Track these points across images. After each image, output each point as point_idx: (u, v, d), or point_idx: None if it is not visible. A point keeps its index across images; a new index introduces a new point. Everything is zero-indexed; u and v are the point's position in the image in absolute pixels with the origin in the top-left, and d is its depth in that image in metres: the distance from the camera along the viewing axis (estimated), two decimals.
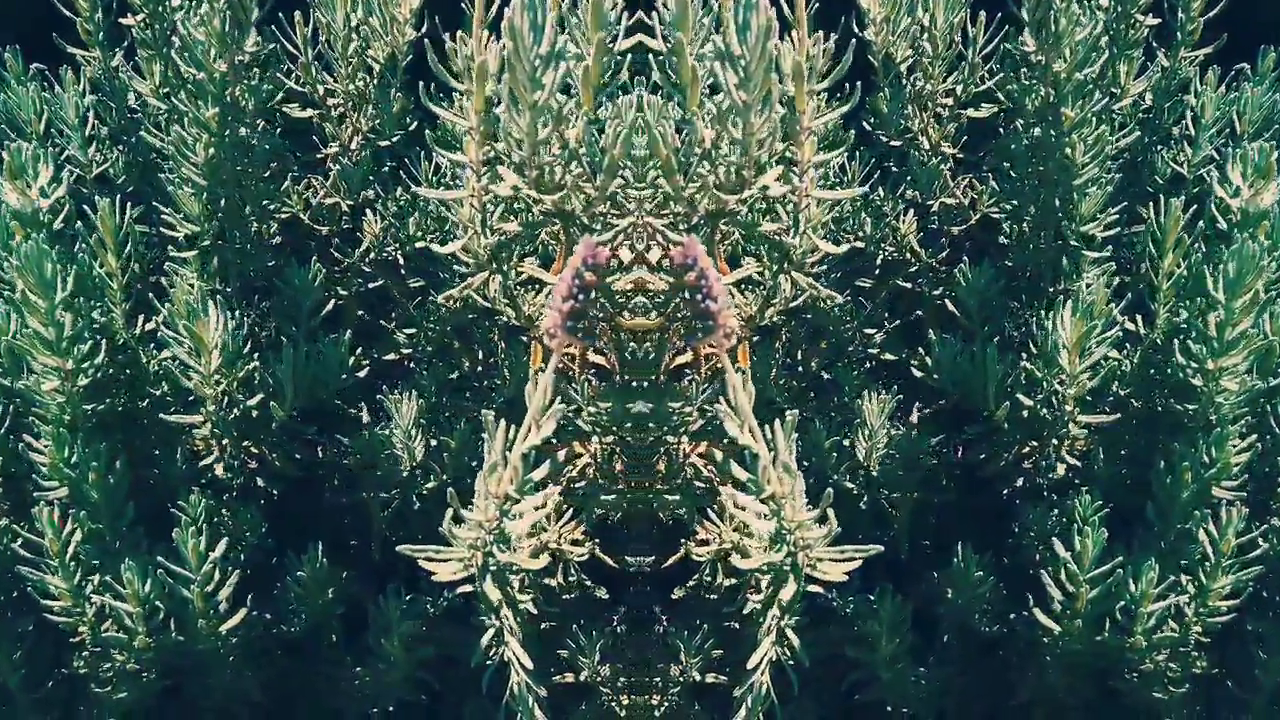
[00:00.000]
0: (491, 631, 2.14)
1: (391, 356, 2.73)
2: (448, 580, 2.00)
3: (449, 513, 1.94)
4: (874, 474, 2.48)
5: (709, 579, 2.31)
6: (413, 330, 2.72)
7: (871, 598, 2.42)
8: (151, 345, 2.52)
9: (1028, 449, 2.45)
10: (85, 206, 2.51)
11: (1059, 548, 2.24)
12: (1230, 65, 2.62)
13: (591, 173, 2.04)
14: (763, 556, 2.04)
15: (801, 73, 1.95)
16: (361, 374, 2.65)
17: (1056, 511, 2.42)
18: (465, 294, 2.26)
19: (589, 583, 2.40)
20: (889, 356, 2.57)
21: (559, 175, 2.04)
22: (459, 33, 2.16)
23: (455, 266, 2.37)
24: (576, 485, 2.30)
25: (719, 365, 2.21)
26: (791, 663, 2.14)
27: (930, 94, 2.45)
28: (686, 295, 1.83)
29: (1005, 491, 2.52)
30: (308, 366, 2.53)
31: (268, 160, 2.60)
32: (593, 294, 1.79)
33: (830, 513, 1.94)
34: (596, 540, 2.33)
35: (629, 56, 2.15)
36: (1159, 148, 2.65)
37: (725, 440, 2.10)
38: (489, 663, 2.14)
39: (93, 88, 2.76)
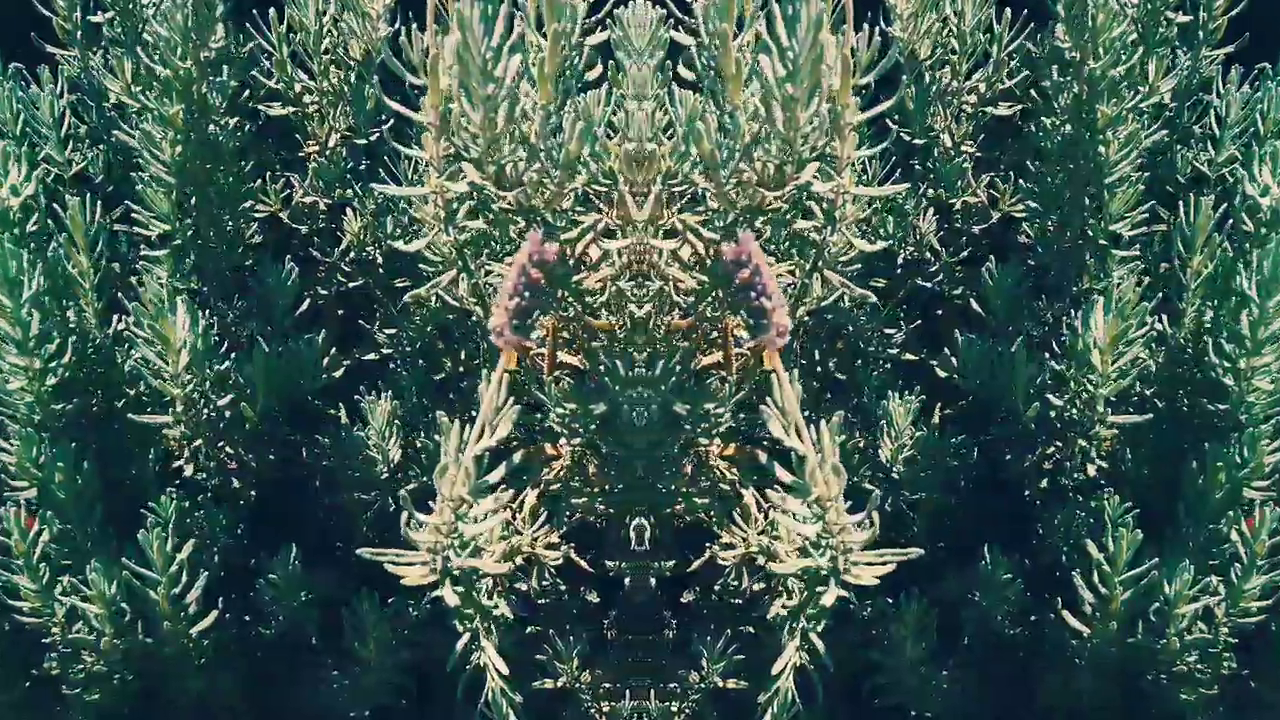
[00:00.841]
0: (467, 636, 2.14)
1: (372, 356, 2.68)
2: (417, 584, 1.95)
3: (404, 516, 1.91)
4: (895, 476, 2.42)
5: (734, 583, 2.25)
6: (394, 330, 2.67)
7: (890, 600, 2.39)
8: (126, 345, 2.49)
9: (1051, 450, 2.40)
10: (59, 206, 2.50)
11: (1092, 549, 2.21)
12: (1251, 64, 2.59)
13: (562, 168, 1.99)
14: (798, 561, 2.00)
15: (848, 66, 1.89)
16: (338, 374, 2.62)
17: (1083, 513, 2.38)
18: (433, 294, 2.22)
19: (563, 587, 2.38)
20: (909, 357, 2.51)
21: (522, 170, 2.00)
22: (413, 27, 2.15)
23: (427, 266, 2.32)
24: (552, 487, 2.27)
25: (749, 365, 2.15)
26: (812, 666, 2.12)
27: (955, 91, 2.41)
28: (739, 293, 1.76)
29: (1026, 492, 2.47)
30: (280, 367, 2.50)
31: (241, 158, 2.55)
32: (540, 292, 1.75)
33: (875, 516, 1.89)
34: (573, 545, 2.30)
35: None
36: (1178, 146, 2.62)
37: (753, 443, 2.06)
38: (467, 668, 2.14)
39: (71, 87, 2.72)
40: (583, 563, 2.32)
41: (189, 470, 2.54)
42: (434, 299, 2.30)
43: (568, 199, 2.04)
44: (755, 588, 2.27)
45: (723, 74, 1.94)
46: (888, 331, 2.55)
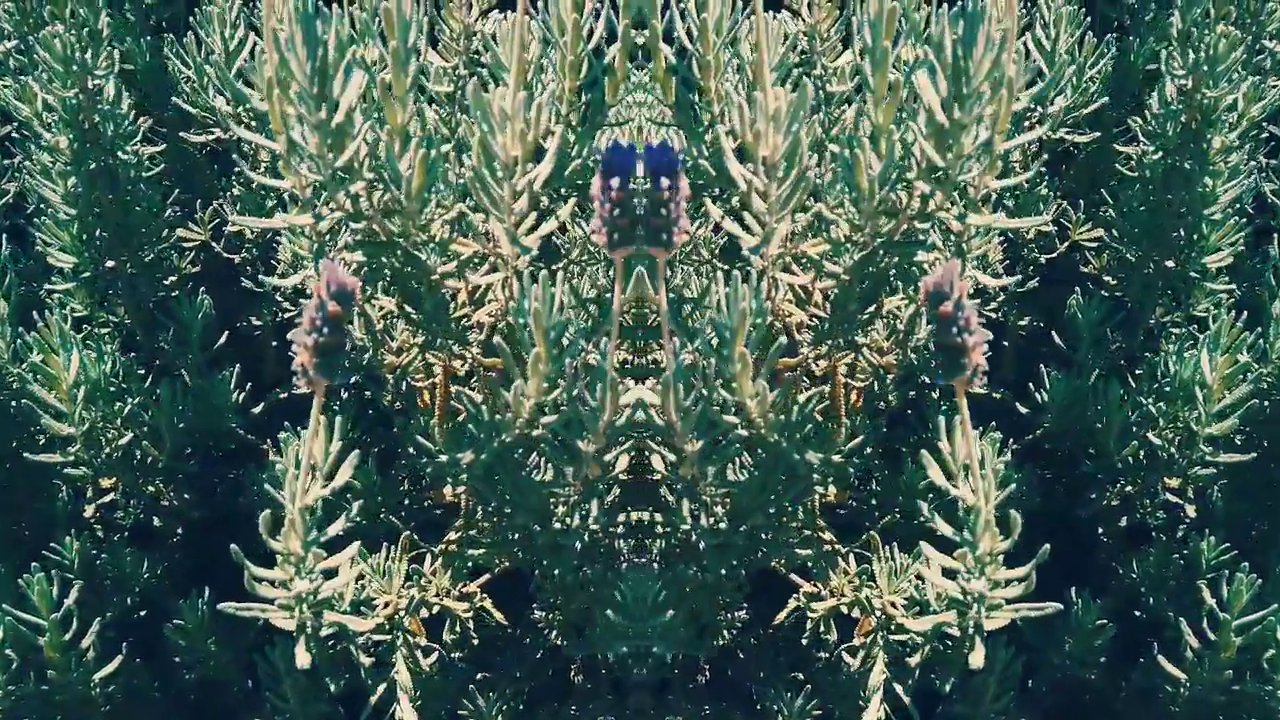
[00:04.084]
0: (382, 688, 2.10)
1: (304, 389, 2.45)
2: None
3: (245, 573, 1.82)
4: None
5: (824, 635, 2.12)
6: None
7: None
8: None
9: (1133, 489, 2.34)
10: None
11: (1205, 594, 2.14)
12: None
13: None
14: (931, 618, 1.89)
15: (1012, 90, 1.77)
16: (257, 409, 2.52)
17: (1177, 555, 2.31)
18: None
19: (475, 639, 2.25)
20: (978, 390, 2.39)
21: (380, 200, 1.88)
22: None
23: None
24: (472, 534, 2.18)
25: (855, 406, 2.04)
26: None
27: (1034, 115, 2.32)
28: (938, 328, 1.63)
29: (1100, 530, 2.40)
30: (190, 403, 2.45)
31: (162, 186, 2.52)
32: (343, 327, 1.61)
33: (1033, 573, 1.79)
34: (486, 595, 2.21)
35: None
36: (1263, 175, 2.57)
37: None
38: None
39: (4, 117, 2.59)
40: (497, 614, 2.21)
41: (89, 511, 2.49)
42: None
43: (438, 229, 1.92)
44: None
45: (876, 93, 1.81)
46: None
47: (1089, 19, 2.23)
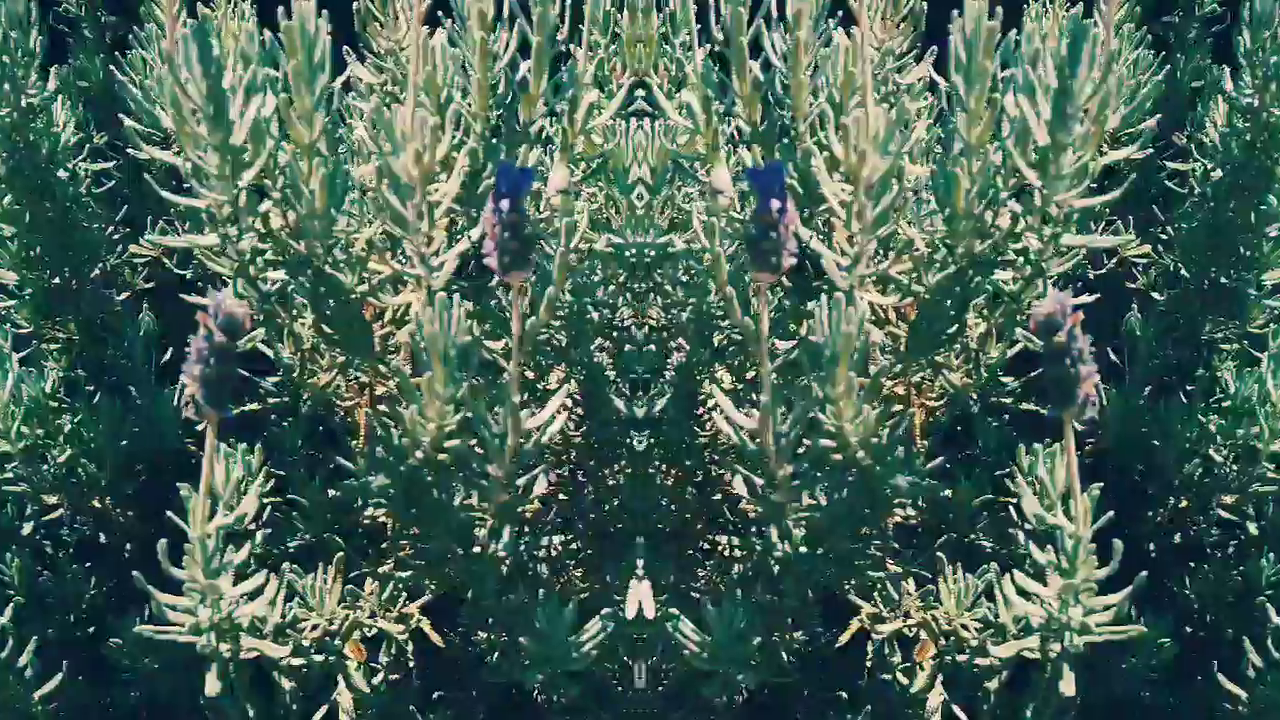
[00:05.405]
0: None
1: (254, 407, 2.46)
2: None
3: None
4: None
5: (889, 657, 2.10)
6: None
7: None
8: None
9: (1184, 506, 2.34)
10: None
11: (1272, 613, 2.14)
12: None
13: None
14: (1017, 643, 1.88)
15: (1110, 106, 1.76)
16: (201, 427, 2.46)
17: (1235, 572, 2.32)
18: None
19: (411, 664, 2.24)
20: (1028, 406, 2.39)
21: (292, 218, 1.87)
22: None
23: None
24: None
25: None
26: None
27: None
28: (1049, 359, 1.61)
29: (1153, 547, 2.40)
30: (129, 421, 2.44)
31: (101, 204, 2.52)
32: (231, 357, 1.60)
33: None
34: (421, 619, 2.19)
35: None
36: None
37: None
38: None
39: None
40: (434, 636, 2.19)
41: (27, 529, 2.48)
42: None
43: (358, 248, 1.92)
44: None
45: (971, 112, 1.78)
46: (1003, 380, 2.43)
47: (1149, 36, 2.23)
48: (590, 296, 2.07)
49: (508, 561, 1.98)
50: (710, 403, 2.07)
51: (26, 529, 2.46)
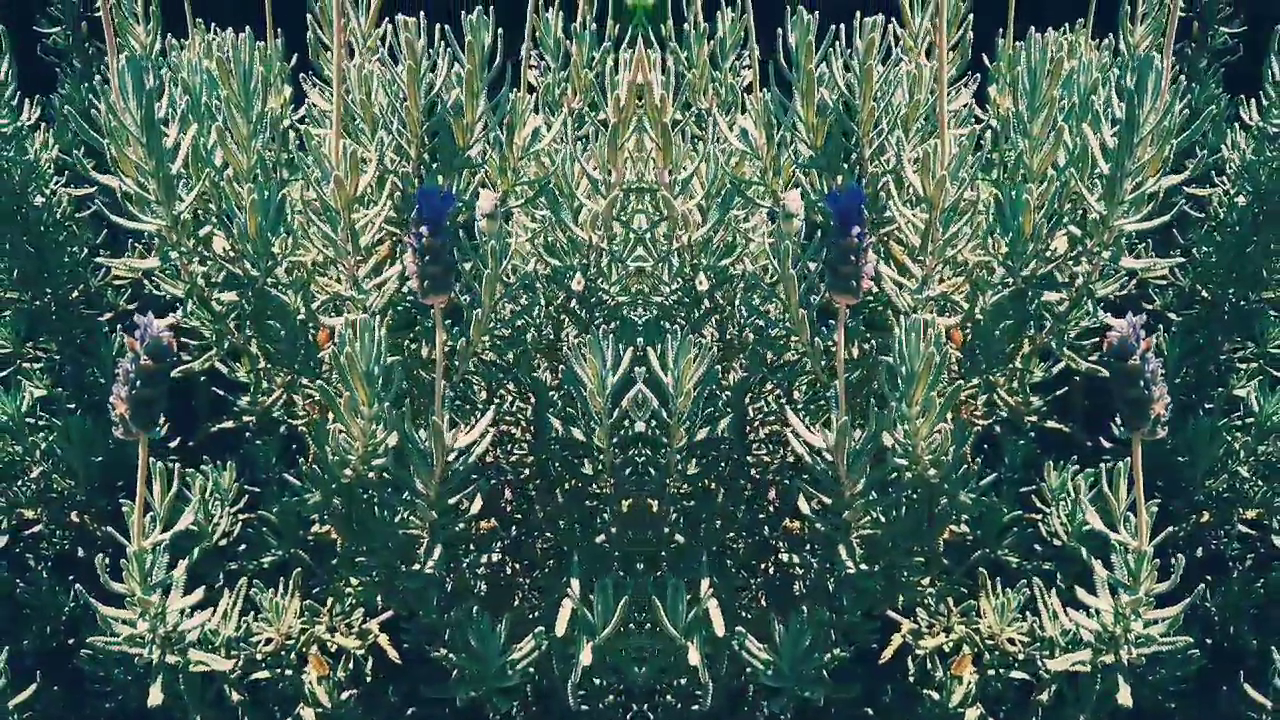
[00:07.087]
0: None
1: (229, 424, 2.51)
2: None
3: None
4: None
5: (931, 671, 2.13)
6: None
7: None
8: None
9: (1205, 520, 2.40)
10: None
11: None
12: None
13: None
14: (1070, 656, 1.93)
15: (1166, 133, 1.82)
16: (191, 443, 2.52)
17: (1259, 584, 2.38)
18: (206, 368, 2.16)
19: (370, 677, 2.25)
20: (1054, 425, 2.43)
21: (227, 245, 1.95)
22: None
23: None
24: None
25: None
26: None
27: None
28: (1121, 381, 1.67)
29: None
30: (105, 438, 2.44)
31: (80, 227, 2.57)
32: (159, 380, 1.67)
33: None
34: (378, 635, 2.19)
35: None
36: None
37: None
38: None
39: None
40: (391, 650, 2.20)
41: (2, 543, 2.50)
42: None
43: (301, 271, 1.98)
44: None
45: (1034, 139, 1.84)
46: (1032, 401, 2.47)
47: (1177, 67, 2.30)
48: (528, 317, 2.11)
49: (450, 579, 2.04)
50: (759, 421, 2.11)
51: (3, 541, 2.50)
